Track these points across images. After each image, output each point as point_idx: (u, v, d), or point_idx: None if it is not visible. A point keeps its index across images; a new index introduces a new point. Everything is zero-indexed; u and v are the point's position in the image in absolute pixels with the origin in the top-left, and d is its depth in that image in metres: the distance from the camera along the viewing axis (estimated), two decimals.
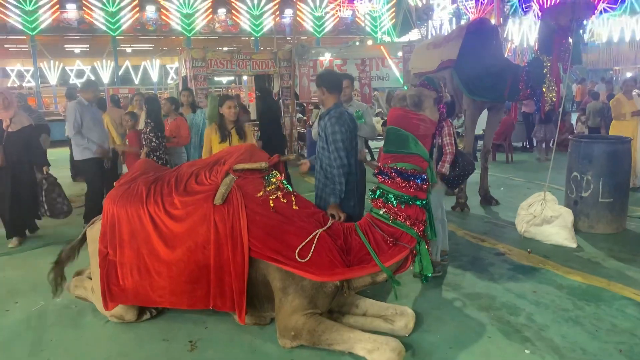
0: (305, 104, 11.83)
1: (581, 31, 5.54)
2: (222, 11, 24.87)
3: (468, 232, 5.74)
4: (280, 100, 11.09)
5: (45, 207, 5.85)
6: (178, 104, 6.82)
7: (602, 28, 27.81)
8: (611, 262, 4.73)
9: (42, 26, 21.28)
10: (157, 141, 6.07)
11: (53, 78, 26.02)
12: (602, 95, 12.09)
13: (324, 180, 3.91)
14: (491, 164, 7.85)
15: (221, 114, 5.09)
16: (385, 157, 3.38)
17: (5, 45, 24.26)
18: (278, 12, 25.13)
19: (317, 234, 3.28)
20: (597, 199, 5.50)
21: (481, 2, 26.98)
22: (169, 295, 3.46)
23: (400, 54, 12.71)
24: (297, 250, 3.20)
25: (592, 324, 3.54)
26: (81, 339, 3.57)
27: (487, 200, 6.94)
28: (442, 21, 26.23)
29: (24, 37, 21.61)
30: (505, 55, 10.99)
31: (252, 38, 25.01)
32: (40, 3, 20.88)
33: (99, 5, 21.86)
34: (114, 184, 3.93)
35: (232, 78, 21.60)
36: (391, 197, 3.28)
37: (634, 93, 7.99)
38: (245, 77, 16.96)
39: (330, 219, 3.52)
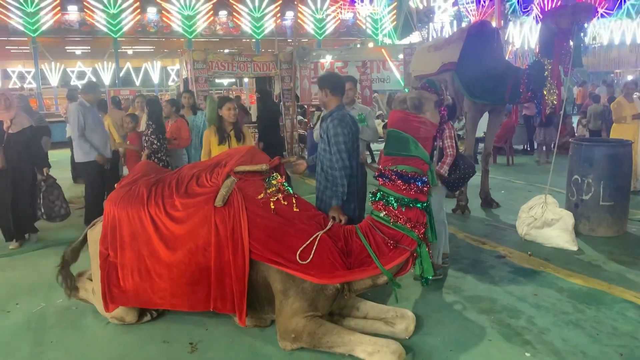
0: (306, 106, 11.84)
1: (582, 34, 5.55)
2: (223, 13, 24.87)
3: (469, 234, 5.74)
4: (281, 103, 11.11)
5: (42, 210, 5.80)
6: (179, 106, 6.83)
7: (603, 30, 27.87)
8: (612, 265, 4.72)
9: (44, 28, 21.28)
10: (158, 143, 6.08)
11: (54, 79, 26.07)
12: (603, 98, 12.10)
13: (325, 182, 3.91)
14: (492, 167, 7.85)
15: (220, 116, 5.11)
16: (386, 159, 3.38)
17: (6, 47, 24.26)
18: (279, 15, 25.12)
19: (317, 236, 3.28)
20: (598, 202, 5.50)
21: (482, 4, 27.05)
22: (169, 297, 3.46)
23: (401, 56, 12.72)
24: (298, 253, 3.20)
25: (592, 327, 3.53)
26: (82, 341, 3.57)
27: (487, 202, 6.94)
28: (443, 24, 26.30)
29: (26, 38, 21.61)
30: (506, 58, 11.01)
31: (253, 40, 25.01)
32: (41, 5, 20.88)
33: (100, 7, 21.86)
34: (115, 185, 3.94)
35: (233, 80, 21.61)
36: (392, 200, 3.28)
37: (634, 96, 7.98)
38: (246, 79, 16.98)
39: (331, 221, 3.52)
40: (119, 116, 7.68)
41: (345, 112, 3.87)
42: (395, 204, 3.27)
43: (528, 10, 28.73)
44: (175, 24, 23.44)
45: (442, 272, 4.53)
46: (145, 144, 6.17)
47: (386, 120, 6.29)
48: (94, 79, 22.80)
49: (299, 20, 24.02)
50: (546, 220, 5.25)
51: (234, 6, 24.42)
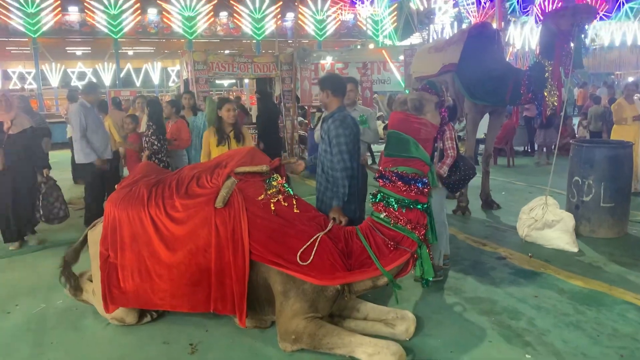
0: (306, 107, 11.85)
1: (582, 35, 5.54)
2: (223, 14, 24.91)
3: (469, 236, 5.74)
4: (282, 104, 11.12)
5: (41, 212, 5.77)
6: (179, 107, 6.83)
7: (603, 32, 27.91)
8: (612, 266, 4.72)
9: (44, 28, 21.33)
10: (159, 144, 6.08)
11: (55, 80, 26.09)
12: (603, 100, 12.09)
13: (326, 183, 3.90)
14: (492, 168, 7.84)
15: (220, 116, 5.11)
16: (386, 160, 3.38)
17: (7, 48, 24.32)
18: (280, 16, 25.16)
19: (318, 237, 3.28)
20: (599, 204, 5.50)
21: (483, 5, 27.08)
22: (169, 298, 3.46)
23: (401, 57, 12.74)
24: (298, 254, 3.20)
25: (593, 328, 3.53)
26: (82, 342, 3.56)
27: (488, 204, 6.93)
28: (443, 25, 26.31)
29: (26, 39, 21.65)
30: (507, 60, 11.00)
31: (254, 41, 25.05)
32: (42, 5, 20.93)
33: (101, 8, 21.91)
34: (115, 186, 3.94)
35: (233, 81, 21.62)
36: (392, 201, 3.28)
37: (635, 97, 7.99)
38: (246, 80, 16.99)
39: (331, 222, 3.51)
40: (120, 117, 7.67)
41: (346, 113, 3.87)
42: (395, 205, 3.27)
43: (527, 11, 28.78)
44: (175, 25, 23.47)
45: (443, 274, 4.52)
46: (145, 145, 6.17)
47: (387, 122, 6.29)
48: (94, 80, 22.77)
49: (299, 22, 24.05)
50: (547, 222, 5.25)
51: (235, 7, 24.45)
